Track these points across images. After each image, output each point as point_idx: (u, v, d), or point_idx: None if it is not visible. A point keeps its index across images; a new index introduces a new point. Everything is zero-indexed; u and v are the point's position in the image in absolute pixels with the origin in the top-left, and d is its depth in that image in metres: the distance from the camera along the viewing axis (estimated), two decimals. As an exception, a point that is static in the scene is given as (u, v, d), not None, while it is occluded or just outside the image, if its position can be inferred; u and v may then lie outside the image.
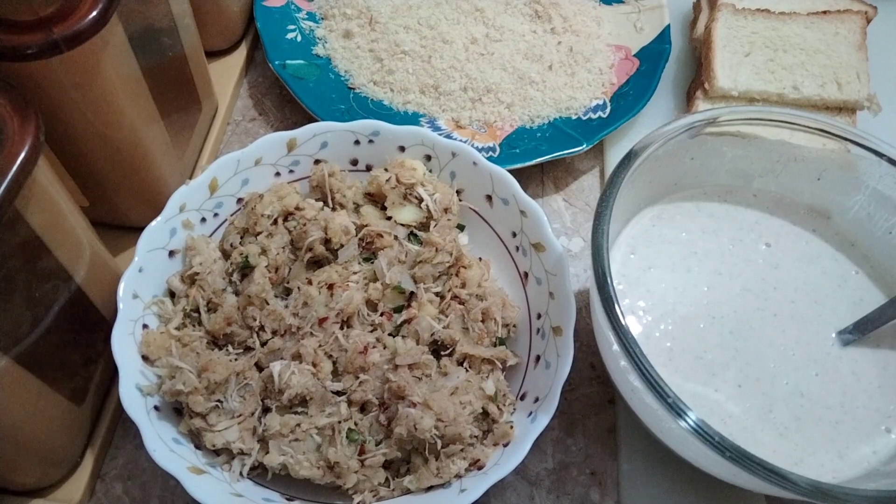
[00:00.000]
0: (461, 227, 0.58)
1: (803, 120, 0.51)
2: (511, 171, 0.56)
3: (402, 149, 0.58)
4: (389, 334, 0.51)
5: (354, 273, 0.53)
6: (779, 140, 0.53)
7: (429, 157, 0.58)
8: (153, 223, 0.52)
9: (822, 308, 0.52)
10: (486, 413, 0.49)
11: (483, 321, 0.52)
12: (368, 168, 0.59)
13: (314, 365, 0.48)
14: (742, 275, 0.53)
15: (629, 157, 0.48)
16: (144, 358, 0.49)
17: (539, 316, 0.53)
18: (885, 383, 0.49)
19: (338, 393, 0.48)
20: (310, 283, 0.51)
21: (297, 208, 0.54)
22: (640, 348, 0.41)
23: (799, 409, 0.48)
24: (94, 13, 0.41)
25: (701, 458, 0.45)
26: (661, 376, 0.40)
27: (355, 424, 0.48)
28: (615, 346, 0.43)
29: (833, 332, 0.51)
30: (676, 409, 0.40)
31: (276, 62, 0.69)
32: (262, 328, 0.51)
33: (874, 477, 0.46)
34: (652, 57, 0.72)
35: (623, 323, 0.42)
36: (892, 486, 0.41)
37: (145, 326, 0.51)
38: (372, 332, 0.51)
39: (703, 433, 0.39)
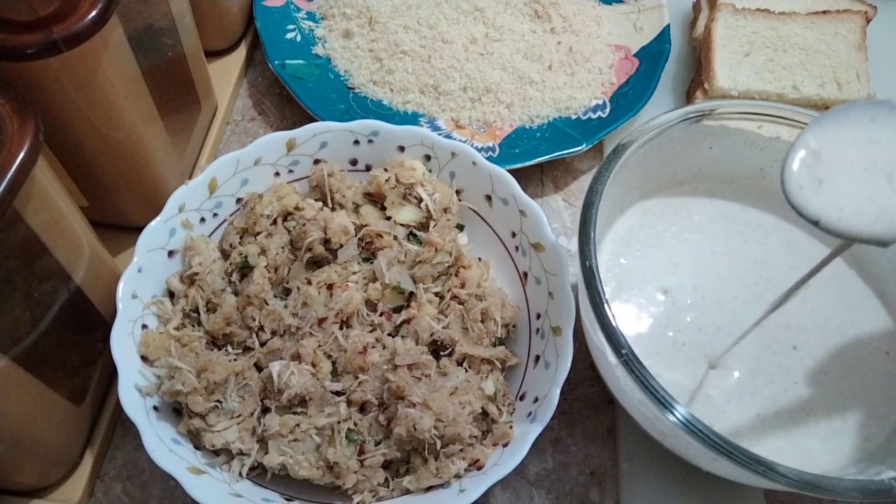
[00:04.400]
0: (461, 227, 0.58)
1: (799, 115, 0.51)
2: (511, 171, 0.56)
3: (402, 149, 0.58)
4: (389, 334, 0.51)
5: (354, 273, 0.53)
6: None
7: (428, 157, 0.58)
8: (152, 223, 0.52)
9: (809, 293, 0.52)
10: (485, 413, 0.49)
11: (482, 321, 0.52)
12: (368, 168, 0.59)
13: (313, 365, 0.48)
14: (734, 268, 0.53)
15: (618, 150, 0.48)
16: (143, 358, 0.49)
17: (538, 316, 0.53)
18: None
19: (337, 393, 0.48)
20: (309, 283, 0.51)
21: (297, 208, 0.54)
22: (626, 338, 0.41)
23: (804, 402, 0.48)
24: (94, 13, 0.41)
25: (695, 454, 0.45)
26: (647, 369, 0.40)
27: (354, 425, 0.48)
28: (599, 337, 0.42)
29: (834, 332, 0.51)
30: (665, 402, 0.40)
31: (276, 62, 0.69)
32: (261, 328, 0.51)
33: (860, 465, 0.46)
34: (652, 57, 0.72)
35: (608, 313, 0.42)
36: (879, 474, 0.41)
37: (144, 326, 0.51)
38: (371, 332, 0.51)
39: (691, 426, 0.39)
